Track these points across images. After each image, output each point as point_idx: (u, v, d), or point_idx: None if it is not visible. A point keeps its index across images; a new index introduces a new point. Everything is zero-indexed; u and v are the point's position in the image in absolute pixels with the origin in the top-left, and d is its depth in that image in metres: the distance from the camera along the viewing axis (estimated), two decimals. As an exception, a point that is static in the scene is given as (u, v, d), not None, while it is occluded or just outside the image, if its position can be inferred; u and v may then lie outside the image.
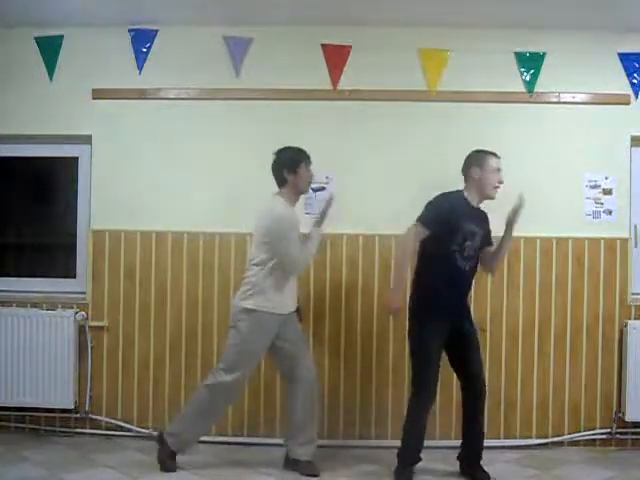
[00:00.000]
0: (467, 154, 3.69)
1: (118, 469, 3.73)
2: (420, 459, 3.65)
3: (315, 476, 3.67)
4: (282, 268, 3.60)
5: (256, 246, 3.66)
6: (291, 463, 3.74)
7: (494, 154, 3.65)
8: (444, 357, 3.66)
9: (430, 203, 3.58)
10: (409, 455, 3.63)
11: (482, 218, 3.68)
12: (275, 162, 3.69)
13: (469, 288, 3.75)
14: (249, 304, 3.61)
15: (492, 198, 3.63)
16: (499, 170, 3.62)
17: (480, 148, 3.68)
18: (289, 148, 3.70)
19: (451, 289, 3.55)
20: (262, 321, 3.61)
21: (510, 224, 3.60)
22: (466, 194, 3.64)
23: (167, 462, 3.69)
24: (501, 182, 3.61)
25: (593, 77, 4.22)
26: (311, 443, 3.72)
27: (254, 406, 4.21)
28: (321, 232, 3.77)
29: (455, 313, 3.61)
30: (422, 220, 3.53)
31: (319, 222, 3.78)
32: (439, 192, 3.63)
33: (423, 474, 3.69)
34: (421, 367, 3.58)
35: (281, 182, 3.68)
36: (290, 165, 3.64)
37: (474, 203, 3.64)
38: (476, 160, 3.63)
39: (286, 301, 3.68)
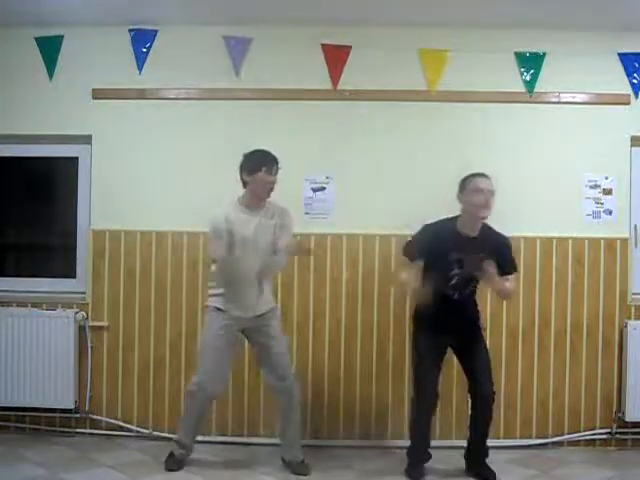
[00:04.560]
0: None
1: (118, 469, 3.73)
2: (429, 457, 3.72)
3: (304, 475, 3.69)
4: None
5: None
6: (285, 464, 3.78)
7: (478, 175, 3.54)
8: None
9: (417, 233, 3.60)
10: (417, 453, 3.70)
11: (483, 246, 3.48)
12: (240, 163, 3.68)
13: (464, 314, 3.64)
14: (208, 301, 3.73)
15: (479, 219, 3.51)
16: (480, 191, 3.47)
17: (470, 172, 3.59)
18: (255, 151, 3.66)
19: (440, 314, 3.52)
20: (211, 317, 3.68)
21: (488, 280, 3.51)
22: (458, 222, 3.56)
23: (174, 467, 3.75)
24: (480, 203, 3.44)
25: (593, 77, 4.22)
26: (296, 444, 3.76)
27: (254, 406, 4.21)
28: (278, 262, 3.69)
29: (452, 328, 3.59)
30: (405, 253, 3.60)
31: (284, 251, 3.66)
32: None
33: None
34: (416, 372, 3.67)
35: (242, 184, 3.69)
36: (249, 169, 3.63)
37: (467, 231, 3.54)
38: (460, 186, 3.58)
39: (241, 302, 3.64)
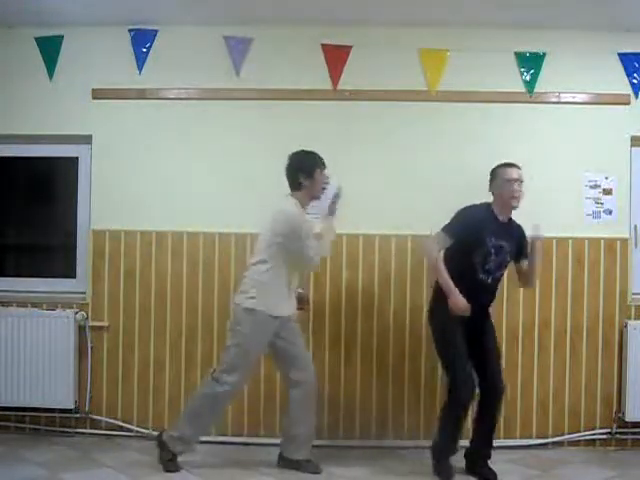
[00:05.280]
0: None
1: (118, 469, 3.73)
2: (456, 450, 3.66)
3: (317, 473, 3.69)
4: (291, 267, 3.62)
5: (263, 246, 3.65)
6: (292, 463, 3.75)
7: (510, 165, 3.64)
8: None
9: (458, 214, 3.59)
10: (448, 451, 3.64)
11: (513, 233, 3.66)
12: (290, 165, 3.67)
13: (491, 300, 3.71)
14: (250, 304, 3.61)
15: (513, 209, 3.63)
16: (514, 180, 3.58)
17: (504, 161, 3.68)
18: (304, 152, 3.69)
19: (470, 301, 3.51)
20: (261, 322, 3.61)
21: (532, 252, 3.66)
22: (493, 208, 3.65)
23: (169, 464, 3.69)
24: (515, 193, 3.56)
25: (593, 77, 4.22)
26: (308, 442, 3.75)
27: (254, 406, 4.21)
28: (332, 226, 3.74)
29: (476, 317, 3.59)
30: (448, 230, 3.56)
31: (328, 217, 3.76)
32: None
33: (423, 474, 3.69)
34: (454, 365, 3.58)
35: (296, 186, 3.67)
36: (307, 170, 3.64)
37: (501, 217, 3.64)
38: (492, 174, 3.69)
39: (286, 303, 3.68)
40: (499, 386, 3.63)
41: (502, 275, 3.72)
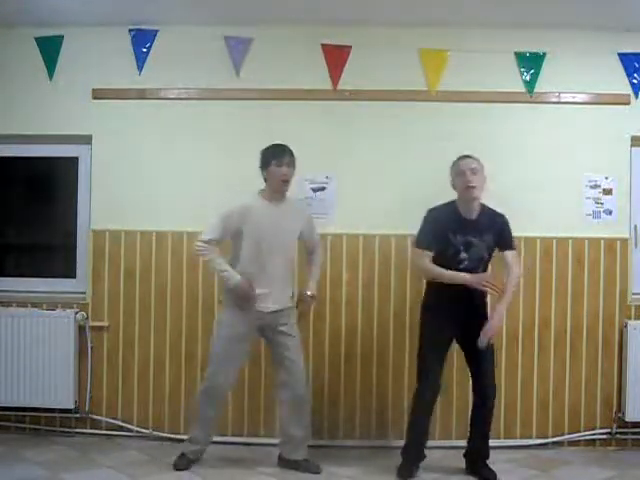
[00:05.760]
0: None
1: (118, 469, 3.73)
2: (424, 456, 3.69)
3: (317, 473, 3.69)
4: (251, 259, 3.64)
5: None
6: (291, 463, 3.76)
7: (462, 157, 3.63)
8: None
9: (423, 219, 3.63)
10: (411, 451, 3.67)
11: (483, 227, 3.59)
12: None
13: (474, 301, 3.64)
14: (223, 298, 3.74)
15: (471, 200, 3.57)
16: (466, 171, 3.55)
17: (458, 156, 3.69)
18: (270, 146, 3.73)
19: (452, 299, 3.55)
20: (232, 314, 3.67)
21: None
22: (457, 205, 3.63)
23: (179, 461, 3.76)
24: (469, 183, 3.51)
25: (593, 77, 4.22)
26: (305, 442, 3.76)
27: (254, 406, 4.21)
28: (232, 283, 3.63)
29: (460, 312, 3.58)
30: (421, 243, 3.61)
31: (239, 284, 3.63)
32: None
33: (423, 474, 3.69)
34: (421, 363, 3.66)
35: (263, 179, 3.75)
36: (263, 163, 3.71)
37: (467, 213, 3.60)
38: (450, 170, 3.68)
39: (262, 296, 3.65)
40: (489, 387, 3.63)
41: (486, 270, 3.65)
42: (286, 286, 3.76)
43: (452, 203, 3.64)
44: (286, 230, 3.71)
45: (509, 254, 3.67)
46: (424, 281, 3.80)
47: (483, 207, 3.64)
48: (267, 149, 3.71)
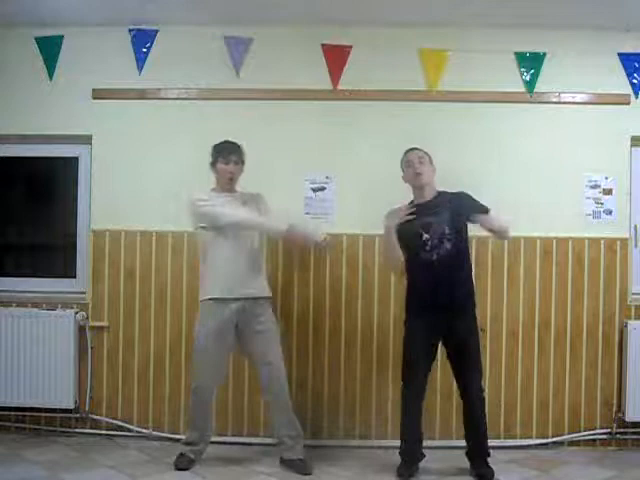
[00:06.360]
0: None
1: (118, 469, 3.73)
2: (422, 455, 3.70)
3: (307, 474, 3.68)
4: (219, 245, 3.67)
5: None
6: (286, 462, 3.77)
7: (408, 150, 3.76)
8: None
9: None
10: (408, 451, 3.68)
11: (439, 205, 3.66)
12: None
13: (448, 276, 3.58)
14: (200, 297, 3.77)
15: (420, 187, 3.69)
16: (414, 161, 3.68)
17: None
18: (220, 142, 3.81)
19: (425, 283, 3.60)
20: (206, 309, 3.70)
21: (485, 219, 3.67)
22: (413, 197, 3.76)
23: (180, 460, 3.75)
24: (417, 170, 3.66)
25: (593, 77, 4.22)
26: (297, 442, 3.76)
27: (254, 406, 4.21)
28: (281, 230, 3.66)
29: (439, 309, 3.56)
30: (385, 253, 3.77)
31: (280, 227, 3.65)
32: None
33: (422, 474, 3.69)
34: (404, 361, 3.69)
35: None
36: (211, 160, 3.80)
37: (419, 199, 3.71)
38: (400, 164, 3.79)
39: (227, 284, 3.67)
40: (473, 389, 3.62)
41: (453, 248, 3.59)
42: (259, 274, 3.78)
43: (410, 202, 3.76)
44: None
45: (484, 217, 3.65)
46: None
47: (439, 192, 3.73)
48: (216, 146, 3.80)
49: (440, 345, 3.69)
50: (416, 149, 3.74)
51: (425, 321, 3.60)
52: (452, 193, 3.72)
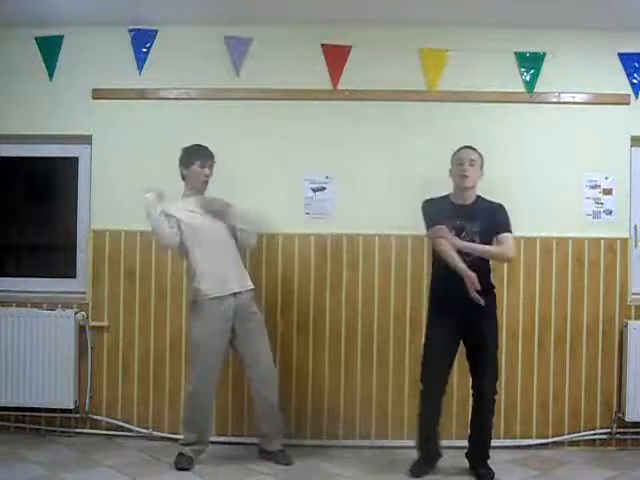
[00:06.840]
0: None
1: (118, 469, 3.73)
2: (439, 455, 3.74)
3: (288, 465, 3.76)
4: (192, 247, 3.74)
5: None
6: (267, 454, 3.84)
7: (461, 148, 3.70)
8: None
9: (422, 210, 3.69)
10: (424, 449, 3.71)
11: (477, 213, 3.63)
12: (179, 158, 3.86)
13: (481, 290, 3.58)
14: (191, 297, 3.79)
15: (464, 188, 3.64)
16: (463, 161, 3.62)
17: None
18: (193, 145, 3.84)
19: (449, 285, 3.55)
20: (197, 310, 3.72)
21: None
22: (451, 193, 3.71)
23: (180, 460, 3.75)
24: (464, 172, 3.60)
25: (593, 77, 4.22)
26: (278, 435, 3.83)
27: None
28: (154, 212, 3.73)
29: (461, 310, 3.55)
30: (429, 227, 3.64)
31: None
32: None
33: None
34: (424, 359, 3.68)
35: (181, 177, 3.85)
36: (185, 162, 3.83)
37: (458, 200, 3.67)
38: (451, 158, 3.73)
39: (216, 282, 3.70)
40: (485, 387, 3.63)
41: (477, 257, 3.58)
42: (242, 270, 3.83)
43: (446, 195, 3.72)
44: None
45: (502, 237, 3.64)
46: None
47: (479, 197, 3.70)
48: (191, 148, 3.84)
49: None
50: (471, 148, 3.68)
51: (448, 321, 3.58)
52: (491, 203, 3.68)
